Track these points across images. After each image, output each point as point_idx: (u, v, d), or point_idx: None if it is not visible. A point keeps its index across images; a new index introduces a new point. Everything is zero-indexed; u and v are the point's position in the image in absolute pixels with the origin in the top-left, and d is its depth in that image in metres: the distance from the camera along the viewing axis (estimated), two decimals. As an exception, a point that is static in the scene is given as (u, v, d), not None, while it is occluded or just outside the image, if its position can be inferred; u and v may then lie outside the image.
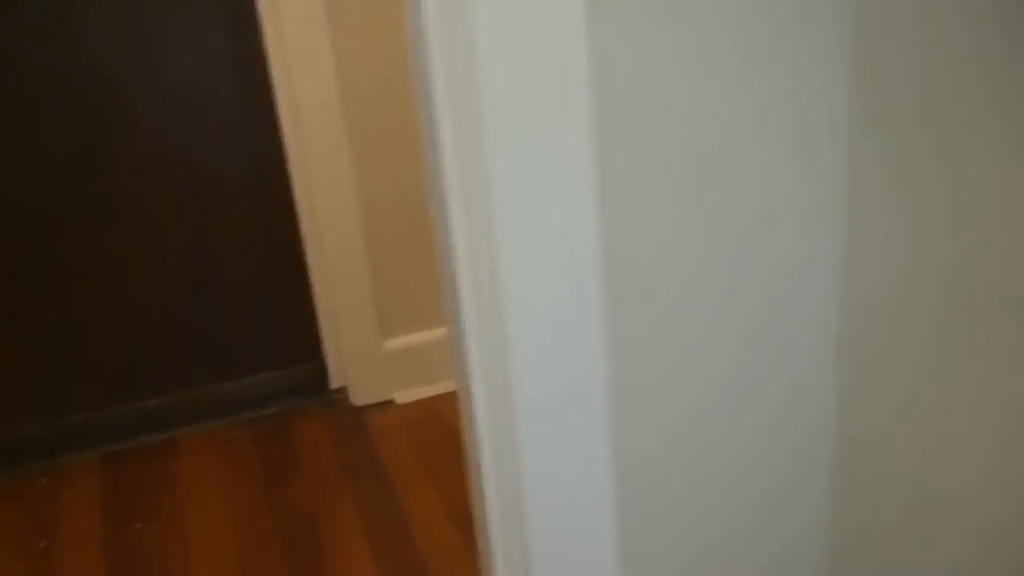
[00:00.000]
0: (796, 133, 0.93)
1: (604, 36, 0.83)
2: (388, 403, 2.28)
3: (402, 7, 2.01)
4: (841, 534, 1.13)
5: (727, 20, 0.87)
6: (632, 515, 1.04)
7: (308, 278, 2.21)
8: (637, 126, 0.88)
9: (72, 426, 2.16)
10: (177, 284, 2.14)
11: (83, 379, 2.15)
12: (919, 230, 0.91)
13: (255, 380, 2.26)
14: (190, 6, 1.96)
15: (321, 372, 2.31)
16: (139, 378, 2.19)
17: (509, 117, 0.81)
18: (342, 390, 2.32)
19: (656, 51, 0.86)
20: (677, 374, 1.00)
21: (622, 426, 0.99)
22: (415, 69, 0.87)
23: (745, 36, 0.88)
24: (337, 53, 1.99)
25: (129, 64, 1.96)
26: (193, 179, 2.08)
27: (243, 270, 2.17)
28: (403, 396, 2.29)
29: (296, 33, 1.95)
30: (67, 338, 2.11)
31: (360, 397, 2.28)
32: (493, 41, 0.79)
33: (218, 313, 2.19)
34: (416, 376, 2.29)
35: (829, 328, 1.04)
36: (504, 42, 0.79)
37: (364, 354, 2.23)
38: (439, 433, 2.15)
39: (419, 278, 2.22)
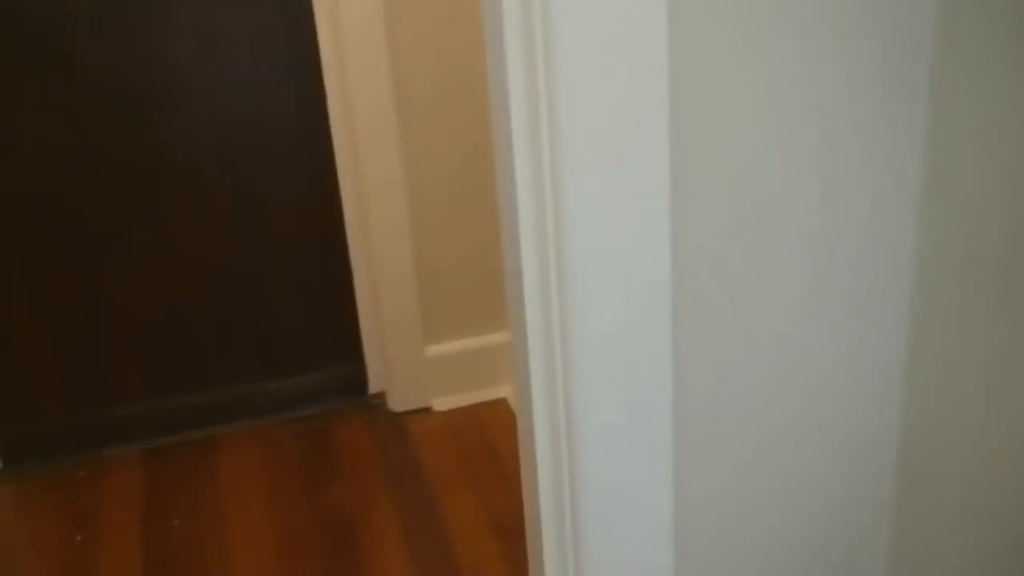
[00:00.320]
0: (870, 161, 0.93)
1: (682, 62, 0.83)
2: (426, 409, 2.28)
3: (460, 6, 2.03)
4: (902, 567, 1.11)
5: (805, 46, 0.86)
6: (690, 540, 1.02)
7: (352, 283, 2.22)
8: (710, 151, 0.88)
9: (113, 420, 2.17)
10: (224, 282, 2.15)
11: (126, 373, 2.16)
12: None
13: (295, 381, 2.27)
14: (249, 6, 1.98)
15: (361, 376, 2.30)
16: (181, 374, 2.20)
17: (586, 139, 0.81)
18: (380, 395, 2.32)
19: (732, 77, 0.86)
20: (745, 402, 0.99)
21: (686, 452, 0.97)
22: (492, 94, 0.86)
23: (823, 64, 0.87)
24: (393, 56, 2.00)
25: (188, 63, 1.98)
26: (244, 178, 2.09)
27: (289, 270, 2.18)
28: (441, 403, 2.28)
29: (352, 34, 1.96)
30: (111, 331, 2.12)
31: (399, 403, 2.27)
32: (573, 63, 0.78)
33: (262, 313, 2.20)
34: (456, 384, 2.28)
35: (900, 356, 1.02)
36: (584, 65, 0.78)
37: (406, 359, 2.23)
38: (479, 441, 2.15)
39: (464, 285, 2.22)
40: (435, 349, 2.25)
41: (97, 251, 2.05)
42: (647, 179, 0.84)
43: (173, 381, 2.19)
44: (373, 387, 2.32)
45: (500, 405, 2.27)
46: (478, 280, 2.21)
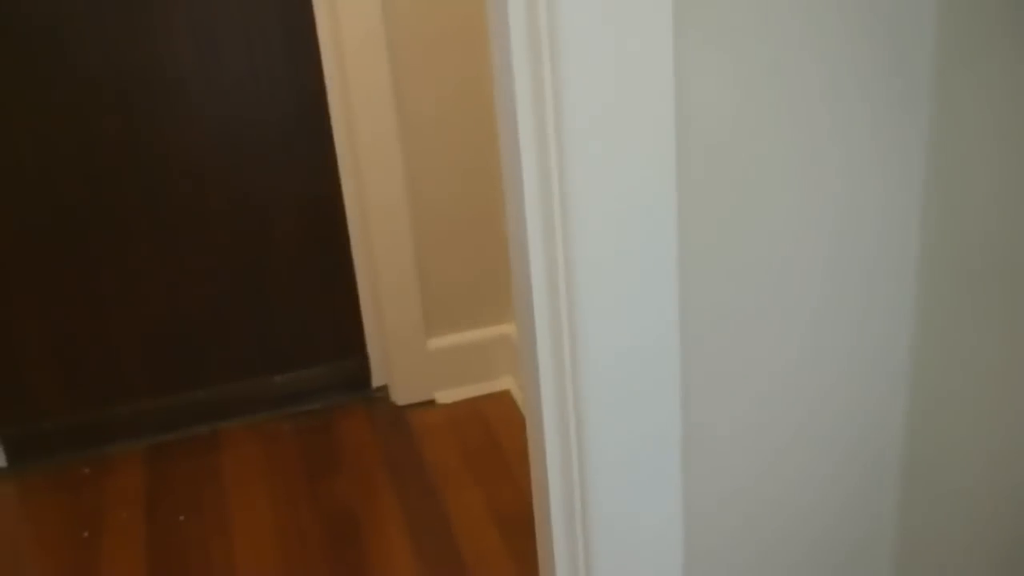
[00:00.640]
0: (874, 166, 0.92)
1: (687, 61, 0.83)
2: (429, 403, 2.28)
3: (457, 3, 2.02)
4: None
5: (808, 49, 0.86)
6: (700, 534, 1.02)
7: (354, 276, 2.21)
8: (713, 153, 0.87)
9: (117, 416, 2.18)
10: (225, 277, 2.15)
11: (128, 370, 2.16)
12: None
13: (298, 375, 2.27)
14: (248, 8, 1.97)
15: (363, 370, 2.30)
16: (184, 370, 2.20)
17: (593, 142, 0.80)
18: (383, 388, 2.32)
19: (735, 82, 0.85)
20: (751, 405, 1.00)
21: (695, 447, 0.97)
22: (499, 99, 0.86)
23: (826, 68, 0.87)
24: (391, 52, 1.99)
25: (187, 62, 1.98)
26: (246, 175, 2.09)
27: (290, 266, 2.18)
28: (444, 396, 2.28)
29: (350, 30, 1.95)
30: (114, 328, 2.12)
31: (402, 396, 2.27)
32: (579, 65, 0.78)
33: (264, 308, 2.20)
34: (458, 376, 2.28)
35: (904, 360, 1.02)
36: (590, 65, 0.78)
37: (408, 353, 2.23)
38: (482, 434, 2.15)
39: (465, 278, 2.22)
40: (437, 342, 2.25)
41: (99, 249, 2.05)
42: (654, 183, 0.83)
43: (176, 377, 2.19)
44: (376, 381, 2.32)
45: (503, 397, 2.27)
46: (479, 273, 2.21)
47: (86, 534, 1.92)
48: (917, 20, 0.88)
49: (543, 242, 0.86)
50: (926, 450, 1.05)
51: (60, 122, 1.95)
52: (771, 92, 0.87)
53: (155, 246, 2.08)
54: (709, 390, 0.97)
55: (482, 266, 2.20)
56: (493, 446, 2.10)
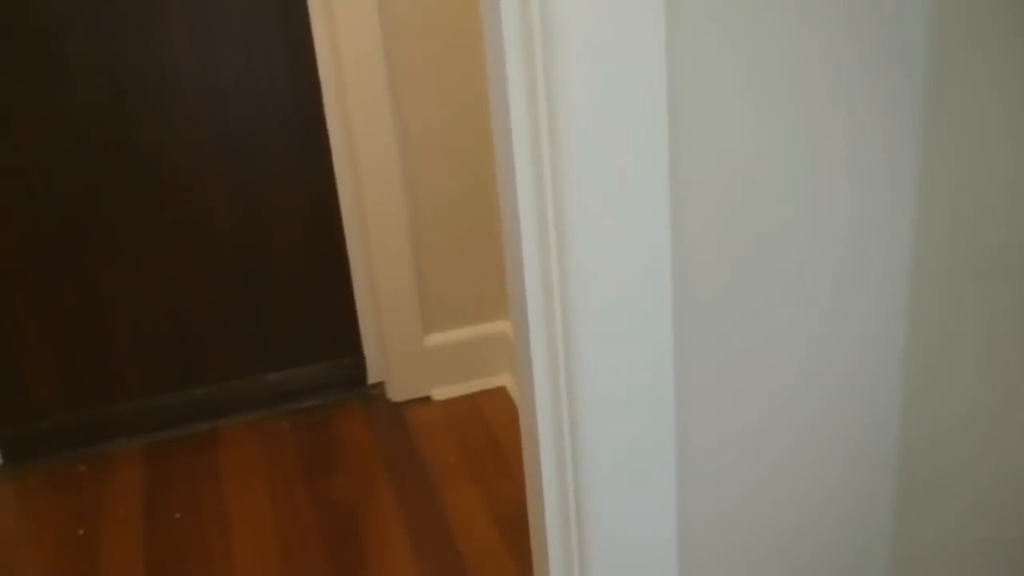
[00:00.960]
0: (866, 167, 0.92)
1: (678, 66, 0.83)
2: (426, 399, 2.28)
3: (455, 10, 2.02)
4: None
5: (799, 49, 0.86)
6: (694, 527, 1.03)
7: (350, 274, 2.22)
8: (706, 155, 0.88)
9: (114, 414, 2.18)
10: (223, 276, 2.15)
11: (125, 368, 2.16)
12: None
13: (295, 373, 2.27)
14: (246, 9, 1.97)
15: (360, 367, 2.31)
16: (181, 368, 2.20)
17: (584, 140, 0.80)
18: (379, 385, 2.32)
19: (728, 84, 0.86)
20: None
21: (690, 433, 0.98)
22: (493, 99, 0.86)
23: (818, 68, 0.87)
24: (387, 48, 1.99)
25: (185, 64, 1.98)
26: (242, 174, 2.09)
27: (287, 264, 2.18)
28: (441, 393, 2.29)
29: (346, 28, 1.95)
30: (111, 326, 2.12)
31: (398, 392, 2.28)
32: (574, 66, 0.78)
33: (261, 305, 2.20)
34: (455, 373, 2.29)
35: (897, 367, 1.03)
36: (583, 76, 0.78)
37: (405, 349, 2.23)
38: (479, 430, 2.15)
39: (462, 274, 2.22)
40: (434, 339, 2.26)
41: (96, 247, 2.05)
42: (646, 183, 0.83)
43: (173, 375, 2.20)
44: (372, 377, 2.32)
45: (499, 393, 2.27)
46: (476, 269, 2.21)
47: (82, 531, 1.92)
48: (912, 17, 0.88)
49: (538, 250, 0.86)
50: (921, 471, 1.05)
51: (58, 122, 1.95)
52: (759, 97, 0.87)
53: (153, 245, 2.08)
54: (705, 402, 0.97)
55: (479, 263, 2.21)
56: (490, 442, 2.10)
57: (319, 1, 1.97)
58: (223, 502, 1.98)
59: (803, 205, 0.93)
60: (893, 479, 1.08)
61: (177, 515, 1.95)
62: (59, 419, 2.15)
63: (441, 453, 2.08)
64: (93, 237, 2.04)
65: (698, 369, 0.96)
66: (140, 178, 2.03)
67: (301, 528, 1.89)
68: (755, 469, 1.03)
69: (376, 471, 2.04)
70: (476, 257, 2.20)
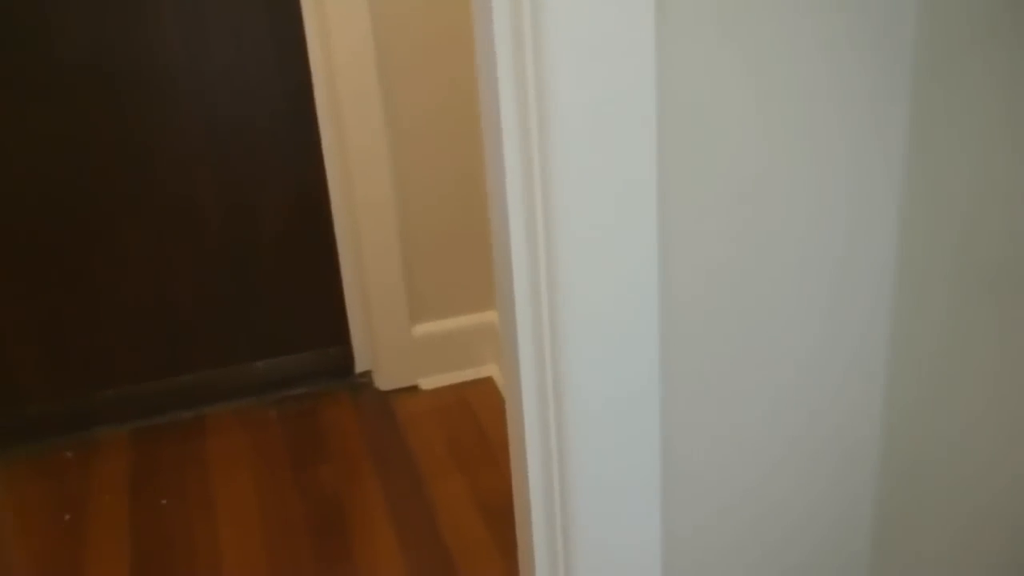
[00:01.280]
0: (854, 162, 0.93)
1: (668, 61, 0.83)
2: (413, 388, 2.29)
3: (445, 3, 2.02)
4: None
5: (789, 45, 0.87)
6: (678, 519, 1.04)
7: (338, 263, 2.22)
8: (696, 149, 0.88)
9: (101, 401, 2.17)
10: (211, 264, 2.15)
11: (112, 354, 2.16)
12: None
13: (282, 361, 2.27)
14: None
15: (347, 356, 2.31)
16: (169, 355, 2.20)
17: (573, 134, 0.81)
18: (367, 374, 2.33)
19: (718, 78, 0.86)
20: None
21: (674, 428, 0.98)
22: (483, 94, 0.86)
23: (807, 64, 0.88)
24: (378, 42, 1.99)
25: (175, 52, 1.98)
26: (231, 163, 2.08)
27: (276, 252, 2.18)
28: (428, 382, 2.29)
29: (337, 21, 1.95)
30: (98, 313, 2.12)
31: (386, 382, 2.28)
32: (564, 61, 0.78)
33: (249, 293, 2.20)
34: (442, 363, 2.29)
35: (882, 374, 1.03)
36: (572, 66, 0.78)
37: (393, 339, 2.24)
38: (466, 420, 2.16)
39: (450, 264, 2.22)
40: (421, 328, 2.26)
41: (85, 235, 2.05)
42: (635, 174, 0.84)
43: (160, 362, 2.19)
44: (360, 366, 2.33)
45: (486, 383, 2.28)
46: (464, 259, 2.22)
47: (68, 517, 1.92)
48: (899, 18, 0.89)
49: (526, 245, 0.87)
50: (904, 482, 1.06)
51: (48, 109, 1.94)
52: (745, 93, 0.88)
53: (142, 232, 2.08)
54: (692, 404, 0.98)
55: (466, 253, 2.21)
56: (477, 433, 2.11)
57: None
58: (209, 490, 1.98)
59: (796, 208, 0.93)
60: (876, 490, 1.09)
61: (163, 502, 1.95)
62: (45, 405, 2.14)
63: (428, 443, 2.09)
64: (81, 225, 2.03)
65: (685, 366, 0.97)
66: (129, 167, 2.02)
67: (287, 516, 1.89)
68: (741, 474, 1.04)
69: (363, 460, 2.05)
70: (464, 248, 2.21)
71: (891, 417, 1.05)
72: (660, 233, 0.87)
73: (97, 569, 1.79)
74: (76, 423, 2.16)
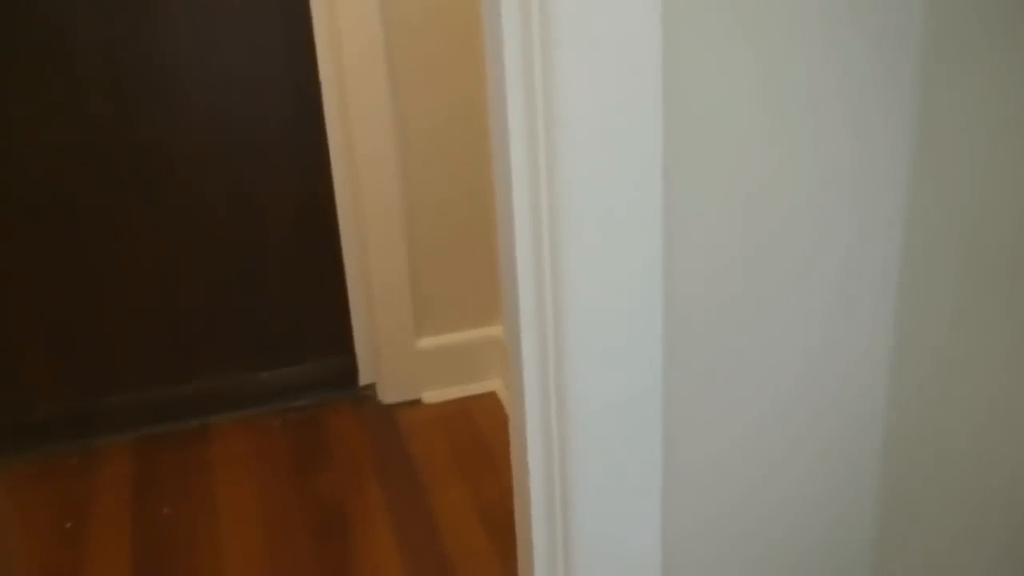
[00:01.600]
0: (859, 157, 0.94)
1: (675, 58, 0.84)
2: (416, 402, 2.29)
3: (455, 6, 2.03)
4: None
5: (796, 39, 0.87)
6: (679, 532, 1.04)
7: (344, 275, 2.22)
8: (702, 147, 0.89)
9: (105, 408, 2.18)
10: (218, 273, 2.16)
11: (117, 362, 2.16)
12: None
13: (287, 371, 2.28)
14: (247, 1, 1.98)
15: (351, 367, 2.31)
16: (174, 363, 2.20)
17: (581, 138, 0.82)
18: (370, 386, 2.33)
19: (724, 74, 0.87)
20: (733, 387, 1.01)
21: (676, 438, 0.99)
22: (490, 88, 0.87)
23: (813, 57, 0.88)
24: (387, 46, 2.00)
25: (184, 54, 1.99)
26: (238, 170, 2.09)
27: (282, 263, 2.19)
28: (431, 396, 2.30)
29: (347, 25, 1.96)
30: (103, 320, 2.12)
31: (389, 394, 2.29)
32: (569, 62, 0.79)
33: (254, 303, 2.21)
34: (446, 377, 2.29)
35: (884, 378, 1.04)
36: (580, 68, 0.79)
37: (397, 352, 2.24)
38: (469, 434, 2.16)
39: (456, 278, 2.23)
40: (426, 342, 2.27)
41: (91, 240, 2.06)
42: (640, 176, 0.85)
43: (165, 370, 2.20)
44: (364, 379, 2.33)
45: (489, 398, 2.28)
46: (470, 273, 2.22)
47: (70, 524, 1.92)
48: (904, 17, 0.90)
49: (532, 256, 0.88)
50: (905, 483, 1.06)
51: (55, 110, 1.95)
52: (751, 95, 0.89)
53: (148, 238, 2.09)
54: (693, 412, 0.98)
55: (473, 267, 2.22)
56: (479, 446, 2.11)
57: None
58: (212, 498, 1.98)
59: (801, 209, 0.94)
60: (878, 489, 1.10)
61: (166, 510, 1.95)
62: (50, 411, 2.15)
63: (430, 455, 2.09)
64: (88, 229, 2.05)
65: (687, 379, 0.97)
66: (137, 171, 2.04)
67: (289, 526, 1.89)
68: (741, 480, 1.04)
69: (365, 471, 2.05)
70: (471, 261, 2.21)
71: (894, 416, 1.05)
72: (665, 238, 0.88)
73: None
74: (80, 430, 2.16)
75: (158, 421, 2.21)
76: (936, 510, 1.03)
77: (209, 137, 2.05)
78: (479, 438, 2.14)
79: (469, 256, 2.21)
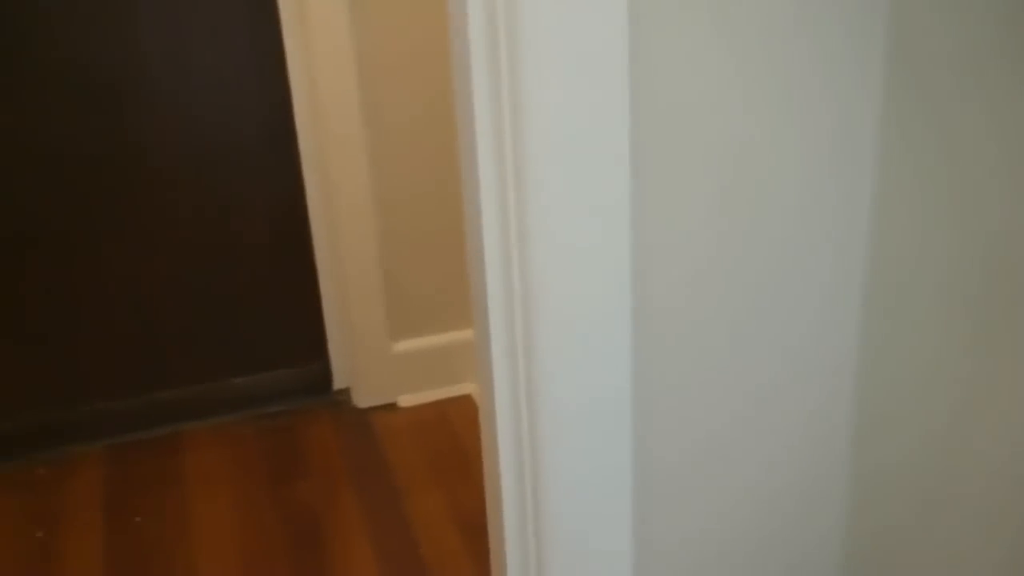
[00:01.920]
0: (827, 161, 0.94)
1: (645, 56, 0.84)
2: (392, 406, 2.28)
3: (425, 14, 2.02)
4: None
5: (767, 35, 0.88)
6: (650, 536, 1.04)
7: (317, 280, 2.21)
8: (673, 143, 0.89)
9: (76, 416, 2.16)
10: (189, 279, 2.14)
11: (88, 369, 2.14)
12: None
13: (260, 378, 2.26)
14: (217, 9, 1.97)
15: (326, 372, 2.30)
16: (145, 371, 2.18)
17: (547, 138, 0.81)
18: (345, 391, 2.32)
19: (695, 72, 0.87)
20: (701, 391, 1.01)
21: (645, 438, 0.99)
22: (457, 91, 0.87)
23: (782, 57, 0.89)
24: (357, 50, 1.99)
25: (153, 58, 1.97)
26: (211, 176, 2.08)
27: (254, 269, 2.18)
28: (407, 400, 2.29)
29: (316, 28, 1.95)
30: (74, 327, 2.10)
31: (364, 399, 2.28)
32: (535, 64, 0.79)
33: (227, 309, 2.19)
34: (421, 380, 2.29)
35: (849, 388, 1.04)
36: (546, 69, 0.79)
37: (372, 356, 2.23)
38: (444, 438, 2.15)
39: (430, 282, 2.22)
40: (401, 346, 2.26)
41: (62, 247, 2.04)
42: (608, 175, 0.85)
43: (137, 378, 2.18)
44: (338, 383, 2.32)
45: (465, 401, 2.28)
46: (444, 277, 2.22)
47: (40, 534, 1.90)
48: (870, 25, 0.91)
49: (500, 258, 0.87)
50: (876, 483, 1.07)
51: (27, 118, 1.93)
52: (725, 93, 0.89)
53: (118, 246, 2.07)
54: (664, 414, 0.98)
55: (447, 271, 2.21)
56: (455, 450, 2.11)
57: (291, 2, 1.98)
58: (185, 507, 1.96)
59: (773, 215, 0.94)
60: (848, 496, 1.10)
61: (137, 519, 1.93)
62: (18, 420, 2.12)
63: (406, 460, 2.08)
64: (58, 237, 2.02)
65: (658, 381, 0.97)
66: (107, 179, 2.02)
67: (264, 534, 1.88)
68: (713, 480, 1.05)
69: (340, 477, 2.04)
70: (444, 265, 2.21)
71: (865, 417, 1.06)
72: (635, 241, 0.88)
73: (69, 586, 1.77)
74: (50, 439, 2.14)
75: (130, 429, 2.19)
76: (908, 518, 1.03)
77: (181, 143, 2.04)
78: (455, 442, 2.13)
79: (443, 259, 2.21)
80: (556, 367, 0.89)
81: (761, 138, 0.91)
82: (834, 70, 0.91)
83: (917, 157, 0.92)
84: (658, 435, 0.99)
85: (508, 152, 0.82)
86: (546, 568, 0.96)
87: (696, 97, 0.88)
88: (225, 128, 2.06)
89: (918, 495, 1.01)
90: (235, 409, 2.25)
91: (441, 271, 2.22)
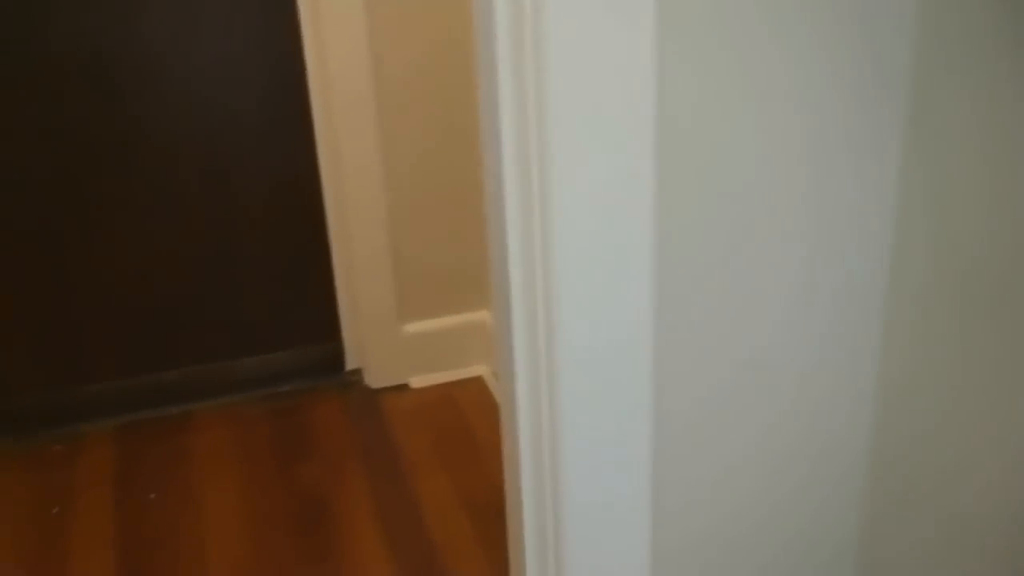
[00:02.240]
0: (849, 172, 0.94)
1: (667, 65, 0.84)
2: (403, 387, 2.29)
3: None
4: None
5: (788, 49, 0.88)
6: (669, 510, 1.04)
7: (330, 260, 2.22)
8: (695, 150, 0.89)
9: (89, 395, 2.17)
10: (199, 259, 2.14)
11: (100, 349, 2.15)
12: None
13: (271, 358, 2.27)
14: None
15: (337, 353, 2.31)
16: (156, 350, 2.19)
17: (573, 129, 0.81)
18: (357, 372, 2.33)
19: (716, 82, 0.87)
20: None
21: (667, 431, 0.99)
22: (482, 84, 0.87)
23: (805, 68, 0.89)
24: (372, 39, 1.99)
25: (164, 38, 1.96)
26: (221, 156, 2.08)
27: (266, 248, 2.18)
28: (418, 381, 2.29)
29: (331, 15, 1.95)
30: (86, 307, 2.11)
31: (376, 380, 2.28)
32: (562, 63, 0.79)
33: (238, 289, 2.20)
34: (433, 362, 2.29)
35: (872, 372, 1.04)
36: (573, 66, 0.79)
37: (383, 337, 2.24)
38: (454, 419, 2.16)
39: (441, 265, 2.23)
40: (412, 327, 2.26)
41: (71, 226, 2.04)
42: (633, 170, 0.85)
43: (148, 357, 2.19)
44: (350, 364, 2.33)
45: (476, 383, 2.29)
46: (455, 259, 2.22)
47: (55, 510, 1.91)
48: (898, 23, 0.90)
49: (521, 234, 0.88)
50: (890, 480, 1.07)
51: (33, 101, 1.93)
52: (744, 93, 0.89)
53: (129, 224, 2.07)
54: (680, 375, 0.99)
55: (458, 252, 2.21)
56: (465, 432, 2.11)
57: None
58: (195, 485, 1.98)
59: (790, 217, 0.94)
60: (863, 488, 1.10)
61: (152, 495, 1.95)
62: (32, 399, 2.14)
63: (415, 441, 2.09)
64: (67, 218, 2.03)
65: (680, 364, 0.98)
66: (116, 157, 2.02)
67: (272, 512, 1.89)
68: (728, 449, 1.05)
69: (350, 458, 2.05)
70: (456, 246, 2.21)
71: (879, 412, 1.06)
72: (657, 236, 0.88)
73: (83, 563, 1.79)
74: (63, 417, 2.15)
75: (141, 408, 2.20)
76: (923, 503, 1.03)
77: (191, 123, 2.03)
78: (464, 424, 2.14)
79: (454, 241, 2.21)
80: (577, 350, 0.89)
81: (775, 151, 0.91)
82: (854, 82, 0.91)
83: (938, 175, 0.92)
84: (678, 419, 0.99)
85: (533, 143, 0.82)
86: (564, 552, 0.97)
87: (713, 100, 0.88)
88: (237, 106, 2.05)
89: (938, 463, 1.01)
90: (246, 389, 2.26)
91: (452, 253, 2.22)
